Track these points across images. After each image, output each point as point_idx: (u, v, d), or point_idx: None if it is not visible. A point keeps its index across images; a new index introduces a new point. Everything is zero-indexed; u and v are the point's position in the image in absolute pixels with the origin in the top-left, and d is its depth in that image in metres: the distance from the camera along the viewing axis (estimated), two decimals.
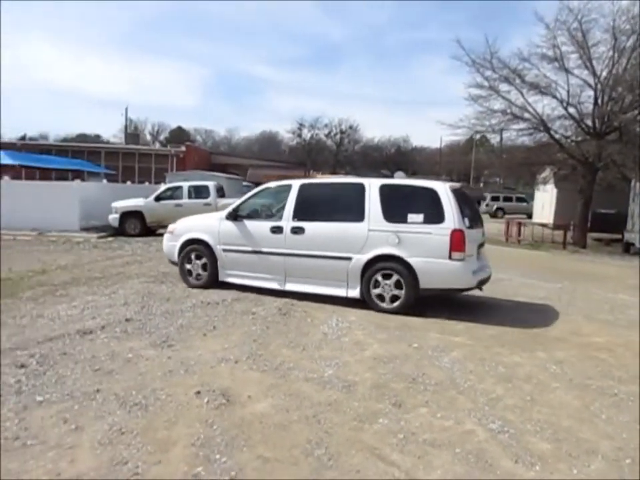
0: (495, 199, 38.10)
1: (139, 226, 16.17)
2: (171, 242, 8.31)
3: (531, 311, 7.26)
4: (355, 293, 6.92)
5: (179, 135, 78.73)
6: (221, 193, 17.11)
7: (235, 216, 7.75)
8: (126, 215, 16.13)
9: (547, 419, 3.75)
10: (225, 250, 7.76)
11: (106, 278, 8.62)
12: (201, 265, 7.91)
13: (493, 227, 25.79)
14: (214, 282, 7.83)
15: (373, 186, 7.00)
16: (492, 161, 41.35)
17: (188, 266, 8.00)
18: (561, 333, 6.17)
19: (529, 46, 17.91)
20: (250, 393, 3.99)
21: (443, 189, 6.65)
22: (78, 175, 24.35)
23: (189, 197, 16.50)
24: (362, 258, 6.80)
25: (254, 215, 7.85)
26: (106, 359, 4.66)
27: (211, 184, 16.92)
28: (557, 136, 18.41)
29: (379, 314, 6.57)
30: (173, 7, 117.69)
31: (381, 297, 6.75)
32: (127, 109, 56.80)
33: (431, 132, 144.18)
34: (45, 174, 28.03)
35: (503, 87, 18.24)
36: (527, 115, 18.16)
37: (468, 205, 7.16)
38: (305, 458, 3.08)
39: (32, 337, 5.29)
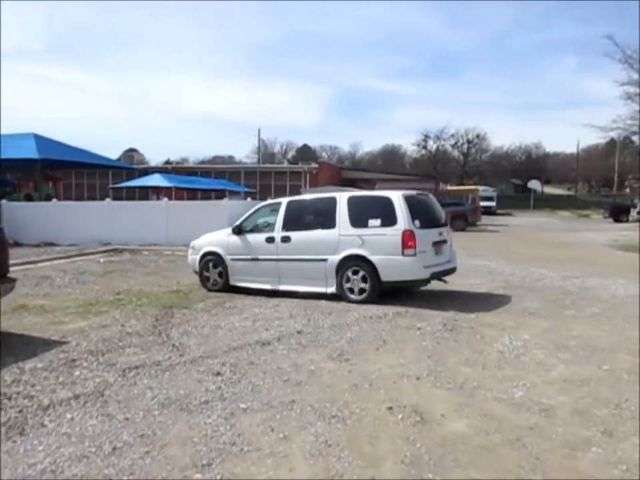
0: None
1: None
2: (192, 255, 9.77)
3: None
4: (332, 289, 8.01)
5: (306, 152, 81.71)
6: None
7: (239, 230, 9.07)
8: None
9: None
10: (232, 259, 9.07)
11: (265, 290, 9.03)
12: (217, 273, 9.22)
13: None
14: (226, 286, 9.08)
15: (342, 198, 8.21)
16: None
17: (206, 274, 9.35)
18: None
19: None
20: (442, 412, 3.90)
21: (396, 197, 7.76)
22: (221, 194, 26.07)
23: None
24: (335, 258, 7.93)
25: (254, 228, 9.11)
26: (291, 370, 4.85)
27: None
28: None
29: (555, 331, 6.18)
30: (292, 30, 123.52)
31: (351, 290, 7.84)
32: (259, 131, 60.33)
33: (565, 135, 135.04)
34: (191, 193, 30.45)
35: None
36: None
37: (425, 210, 8.23)
38: None
39: (217, 346, 5.68)
